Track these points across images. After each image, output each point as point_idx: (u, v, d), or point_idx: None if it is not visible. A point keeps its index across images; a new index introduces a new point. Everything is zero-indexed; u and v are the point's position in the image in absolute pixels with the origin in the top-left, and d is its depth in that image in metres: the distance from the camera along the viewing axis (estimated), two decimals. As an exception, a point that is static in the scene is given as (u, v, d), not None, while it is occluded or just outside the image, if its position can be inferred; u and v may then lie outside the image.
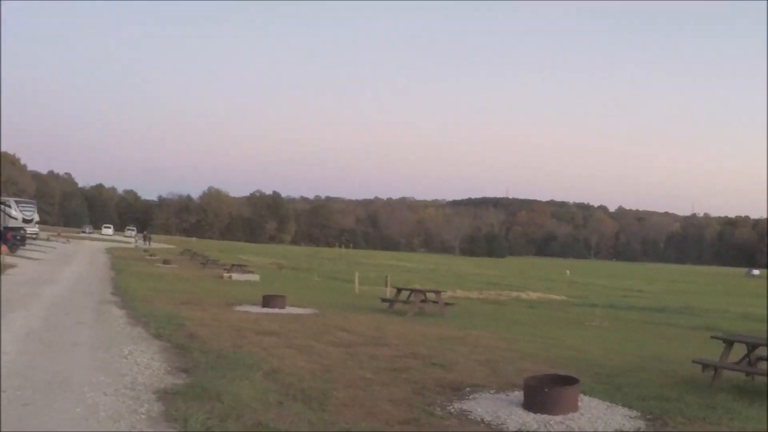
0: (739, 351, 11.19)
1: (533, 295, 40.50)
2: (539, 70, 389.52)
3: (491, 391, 9.07)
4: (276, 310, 18.47)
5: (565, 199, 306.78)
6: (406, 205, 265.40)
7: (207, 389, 7.96)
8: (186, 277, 32.25)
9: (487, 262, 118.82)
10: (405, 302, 21.73)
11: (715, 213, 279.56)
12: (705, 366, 10.69)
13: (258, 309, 18.64)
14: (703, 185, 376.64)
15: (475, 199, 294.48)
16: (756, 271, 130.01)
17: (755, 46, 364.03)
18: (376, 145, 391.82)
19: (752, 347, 10.98)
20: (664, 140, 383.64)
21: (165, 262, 42.99)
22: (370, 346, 12.72)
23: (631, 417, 8.00)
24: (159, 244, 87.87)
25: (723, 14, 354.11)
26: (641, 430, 7.53)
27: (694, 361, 11.12)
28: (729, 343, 10.83)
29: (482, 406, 8.16)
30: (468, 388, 9.17)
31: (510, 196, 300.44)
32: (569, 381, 8.45)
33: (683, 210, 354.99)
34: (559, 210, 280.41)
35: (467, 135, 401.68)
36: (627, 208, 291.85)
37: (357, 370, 10.14)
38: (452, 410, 7.94)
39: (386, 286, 30.68)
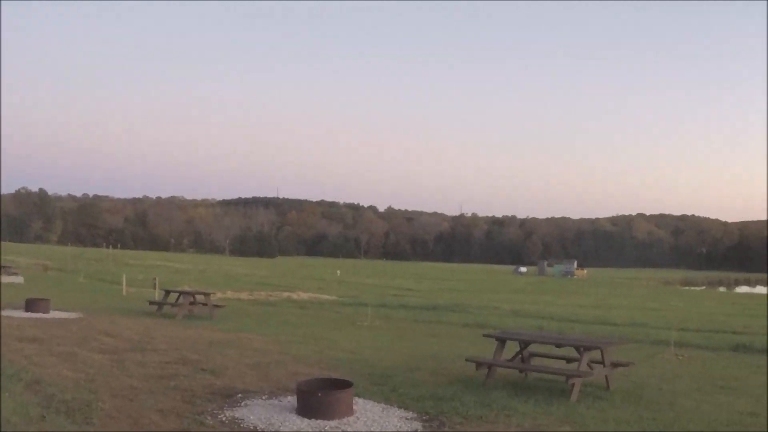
0: (512, 348, 11.57)
1: (304, 296, 40.58)
2: (299, 67, 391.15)
3: (264, 397, 8.91)
4: (40, 315, 17.96)
5: (335, 200, 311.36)
6: (176, 204, 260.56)
7: (-41, 404, 7.31)
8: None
9: (257, 263, 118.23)
10: (174, 305, 21.33)
11: (482, 213, 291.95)
12: (479, 364, 10.96)
13: (20, 314, 17.99)
14: (471, 186, 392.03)
15: (246, 198, 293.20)
16: (523, 269, 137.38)
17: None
18: (145, 142, 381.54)
19: (524, 344, 11.39)
20: (432, 141, 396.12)
21: None
22: (138, 352, 12.33)
23: (407, 418, 8.09)
24: None
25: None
26: (418, 431, 7.58)
27: (467, 360, 11.41)
28: (501, 341, 11.15)
29: (255, 413, 7.98)
30: (240, 395, 8.97)
31: (281, 196, 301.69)
32: (343, 384, 8.40)
33: (451, 210, 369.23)
34: (329, 210, 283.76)
35: (238, 134, 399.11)
36: (396, 208, 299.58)
37: (123, 378, 9.75)
38: (224, 419, 7.72)
39: (155, 287, 29.86)
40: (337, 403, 7.90)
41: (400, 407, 8.63)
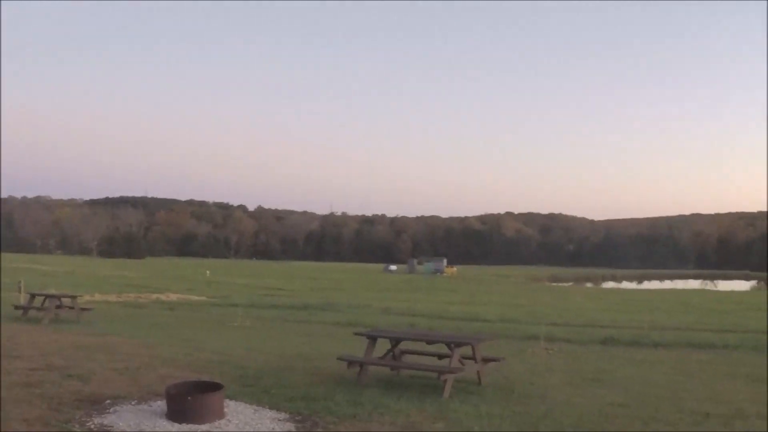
0: (384, 346, 11.59)
1: (174, 297, 39.85)
2: (162, 63, 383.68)
3: (133, 403, 8.63)
4: None
5: (205, 199, 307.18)
6: (42, 204, 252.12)
7: None
8: None
9: (126, 264, 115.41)
10: (40, 308, 20.76)
11: (352, 212, 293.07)
12: (350, 363, 10.92)
13: None
14: (341, 185, 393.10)
15: (113, 198, 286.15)
16: (393, 267, 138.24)
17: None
18: (7, 140, 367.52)
19: (395, 342, 11.41)
20: (302, 140, 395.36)
21: None
22: (2, 359, 11.73)
23: (279, 419, 7.98)
24: None
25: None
26: (291, 432, 7.50)
27: (339, 358, 11.34)
28: (372, 339, 11.16)
29: (124, 419, 7.72)
30: (108, 401, 8.66)
31: (149, 196, 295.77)
32: (213, 387, 8.23)
33: (321, 209, 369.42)
34: (198, 209, 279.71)
35: (105, 132, 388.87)
36: (266, 207, 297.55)
37: (-14, 388, 9.25)
38: (92, 426, 7.42)
39: (19, 291, 28.73)
40: (207, 407, 7.72)
41: (272, 408, 8.50)
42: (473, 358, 10.96)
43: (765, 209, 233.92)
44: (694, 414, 9.27)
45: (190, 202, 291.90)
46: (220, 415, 7.81)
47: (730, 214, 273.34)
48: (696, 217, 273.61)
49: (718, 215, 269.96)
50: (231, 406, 8.33)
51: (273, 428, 7.61)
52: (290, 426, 7.72)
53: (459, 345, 10.64)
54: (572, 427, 8.25)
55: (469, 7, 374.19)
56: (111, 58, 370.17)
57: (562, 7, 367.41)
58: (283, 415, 8.18)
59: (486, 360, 11.38)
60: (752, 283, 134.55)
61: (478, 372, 11.00)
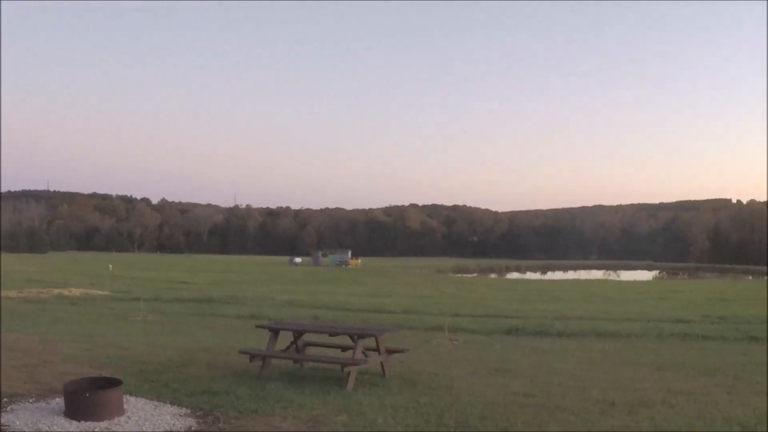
0: (287, 338, 11.54)
1: (76, 292, 38.88)
2: (64, 54, 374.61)
3: (31, 400, 8.43)
4: None
5: (108, 192, 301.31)
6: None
7: None
8: None
9: (28, 259, 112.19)
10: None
11: (257, 204, 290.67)
12: (253, 356, 10.85)
13: None
14: (245, 177, 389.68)
15: (15, 192, 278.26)
16: (298, 259, 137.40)
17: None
18: None
19: (298, 334, 11.38)
20: (205, 133, 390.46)
21: None
22: None
23: (180, 415, 7.90)
24: None
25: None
26: (192, 428, 7.44)
27: (241, 352, 11.27)
28: (275, 332, 11.11)
29: (21, 417, 7.53)
30: (5, 399, 8.42)
31: (51, 189, 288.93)
32: (112, 383, 8.06)
33: (226, 201, 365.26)
34: (102, 203, 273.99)
35: (7, 124, 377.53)
36: (170, 200, 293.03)
37: None
38: (-13, 425, 7.21)
39: None
40: (106, 403, 7.57)
41: (173, 404, 8.40)
42: (377, 349, 10.97)
43: (667, 201, 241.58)
44: (599, 403, 9.35)
45: (93, 195, 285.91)
46: (120, 411, 7.69)
47: (632, 205, 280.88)
48: (599, 209, 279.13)
49: (620, 206, 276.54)
50: (131, 402, 8.21)
51: (173, 424, 7.52)
52: (191, 421, 7.65)
53: (362, 337, 10.65)
54: (478, 418, 8.28)
55: None
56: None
57: None
58: (184, 411, 8.09)
59: (390, 351, 11.39)
60: (654, 273, 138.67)
61: (382, 363, 11.02)
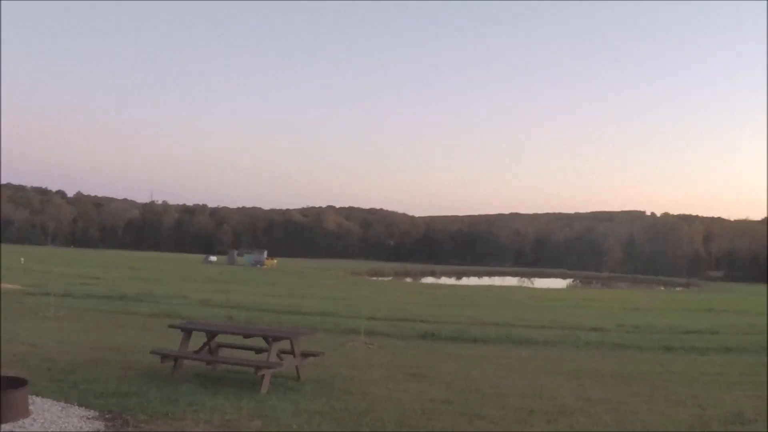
0: (201, 339, 11.27)
1: (-17, 285, 37.84)
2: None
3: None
4: None
5: (23, 183, 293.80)
6: None
7: None
8: None
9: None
10: None
11: (173, 201, 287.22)
12: (164, 356, 10.57)
13: None
14: (162, 173, 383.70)
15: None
16: (213, 258, 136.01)
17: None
18: None
19: (212, 335, 11.11)
20: (122, 125, 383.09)
21: None
22: None
23: (89, 417, 7.61)
24: None
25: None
26: (100, 431, 7.11)
27: (152, 352, 10.97)
28: (188, 332, 10.84)
29: None
30: None
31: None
32: (17, 382, 7.69)
33: (142, 197, 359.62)
34: (15, 194, 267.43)
35: None
36: (86, 193, 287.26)
37: None
38: None
39: None
40: (9, 404, 7.20)
41: (81, 405, 8.07)
42: (292, 352, 10.79)
43: (582, 211, 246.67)
44: (517, 411, 9.31)
45: (7, 186, 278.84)
46: (25, 413, 7.34)
47: (548, 214, 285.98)
48: (515, 217, 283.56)
49: (536, 215, 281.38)
50: (37, 404, 7.87)
51: (81, 427, 7.22)
52: (99, 425, 7.35)
53: (277, 339, 10.48)
54: (395, 425, 8.17)
55: None
56: None
57: None
58: (92, 413, 7.78)
59: (305, 354, 11.25)
60: (568, 281, 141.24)
61: (297, 367, 10.85)
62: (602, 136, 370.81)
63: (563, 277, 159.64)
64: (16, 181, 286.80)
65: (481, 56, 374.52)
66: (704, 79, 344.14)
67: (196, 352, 11.12)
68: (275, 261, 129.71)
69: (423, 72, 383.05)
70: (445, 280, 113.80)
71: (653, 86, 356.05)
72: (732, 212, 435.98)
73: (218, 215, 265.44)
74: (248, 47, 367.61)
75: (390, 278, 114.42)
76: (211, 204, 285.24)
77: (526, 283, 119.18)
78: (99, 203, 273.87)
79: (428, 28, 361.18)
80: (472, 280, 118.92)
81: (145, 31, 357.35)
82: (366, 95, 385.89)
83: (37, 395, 8.19)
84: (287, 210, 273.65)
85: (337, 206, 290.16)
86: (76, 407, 7.98)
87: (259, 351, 11.54)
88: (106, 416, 7.68)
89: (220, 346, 11.78)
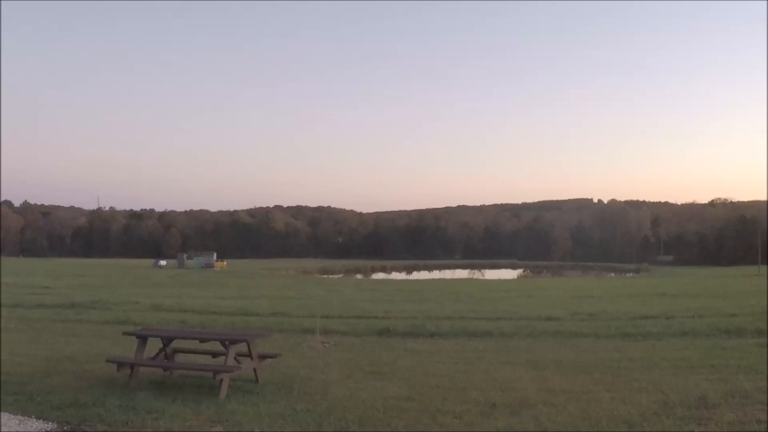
0: (156, 345, 11.11)
1: (-70, 299, 37.00)
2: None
3: None
4: None
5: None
6: None
7: None
8: None
9: None
10: None
11: (120, 206, 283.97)
12: (120, 364, 10.41)
13: None
14: (108, 179, 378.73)
15: None
16: (163, 262, 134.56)
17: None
18: None
19: (167, 341, 10.97)
20: (67, 133, 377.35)
21: None
22: None
23: (47, 430, 7.47)
24: None
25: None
26: (59, 444, 6.96)
27: (108, 360, 10.81)
28: (143, 338, 10.69)
29: None
30: None
31: None
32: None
33: (89, 204, 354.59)
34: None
35: None
36: (32, 202, 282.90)
37: None
38: None
39: None
40: (-34, 421, 7.08)
41: (39, 418, 7.92)
42: (249, 355, 10.70)
43: (530, 201, 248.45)
44: (480, 404, 9.25)
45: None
46: (-19, 428, 7.18)
47: (495, 205, 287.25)
48: (462, 209, 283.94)
49: (483, 207, 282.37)
50: (-7, 418, 7.69)
51: (39, 440, 7.07)
52: (58, 437, 7.20)
53: (234, 342, 10.36)
54: (357, 425, 8.09)
55: None
56: None
57: None
58: (50, 425, 7.65)
59: (262, 357, 11.14)
60: (518, 271, 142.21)
61: (254, 369, 10.76)
62: (547, 125, 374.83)
63: (513, 267, 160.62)
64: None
65: (422, 48, 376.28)
66: (645, 62, 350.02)
67: (152, 358, 10.97)
68: (225, 263, 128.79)
69: (366, 67, 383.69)
70: (395, 275, 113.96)
71: (594, 73, 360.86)
72: (678, 196, 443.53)
73: (166, 219, 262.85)
74: (188, 47, 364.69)
75: (341, 275, 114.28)
76: (159, 208, 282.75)
77: (476, 275, 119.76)
78: (46, 212, 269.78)
79: (367, 24, 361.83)
80: (423, 274, 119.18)
81: (79, 35, 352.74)
82: (309, 93, 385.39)
83: (-7, 410, 8.01)
84: (235, 211, 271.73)
85: (285, 206, 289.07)
86: (34, 420, 7.82)
87: (215, 355, 11.40)
88: (65, 428, 7.55)
89: (176, 351, 11.62)
